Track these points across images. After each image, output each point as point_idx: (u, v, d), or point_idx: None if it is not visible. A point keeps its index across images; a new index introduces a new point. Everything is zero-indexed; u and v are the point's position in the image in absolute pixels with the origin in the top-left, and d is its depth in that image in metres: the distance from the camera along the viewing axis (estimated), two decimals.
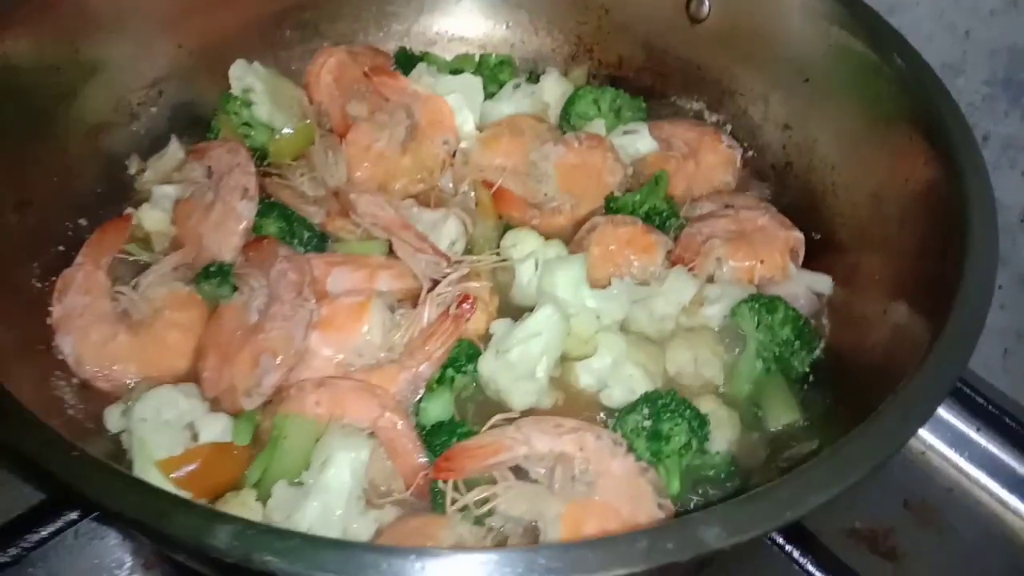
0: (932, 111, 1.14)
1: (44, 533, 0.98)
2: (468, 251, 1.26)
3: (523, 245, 1.23)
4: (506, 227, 1.32)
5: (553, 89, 1.53)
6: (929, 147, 1.13)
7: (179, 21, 1.37)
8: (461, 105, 1.44)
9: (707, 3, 1.45)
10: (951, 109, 1.13)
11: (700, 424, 1.04)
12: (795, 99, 1.39)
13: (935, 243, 1.09)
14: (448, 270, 1.17)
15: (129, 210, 1.26)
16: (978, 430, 1.34)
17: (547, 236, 1.31)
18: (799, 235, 1.30)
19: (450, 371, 1.08)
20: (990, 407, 1.34)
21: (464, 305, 1.07)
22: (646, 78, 1.58)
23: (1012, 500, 1.29)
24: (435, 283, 1.14)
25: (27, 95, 1.17)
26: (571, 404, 1.13)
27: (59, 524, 0.99)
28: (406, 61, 1.53)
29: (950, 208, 1.07)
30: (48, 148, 1.19)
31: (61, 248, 1.18)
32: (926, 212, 1.13)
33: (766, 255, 1.27)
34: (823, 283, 1.26)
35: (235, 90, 1.40)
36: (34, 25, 1.16)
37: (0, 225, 1.09)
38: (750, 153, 1.48)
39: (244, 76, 1.40)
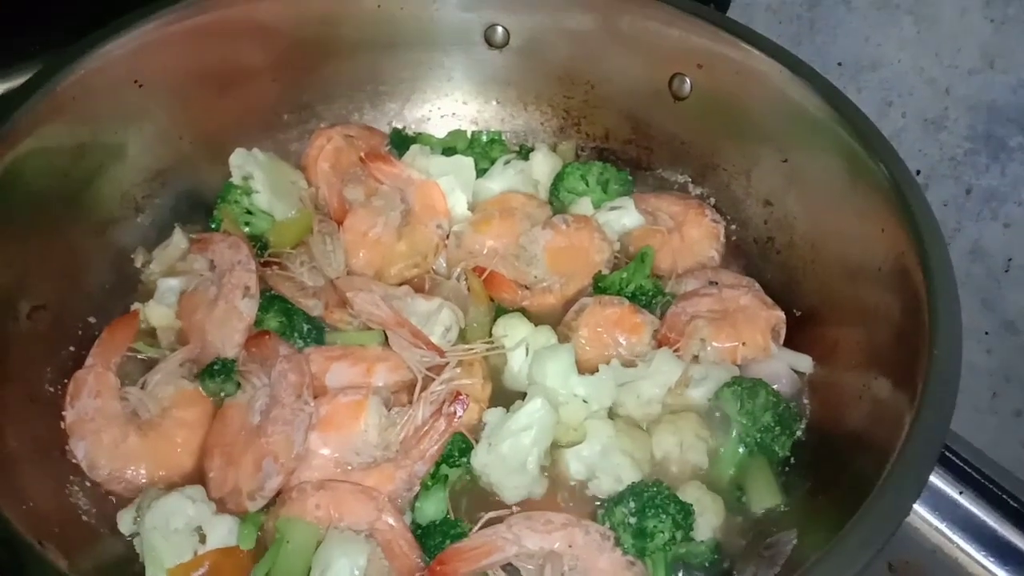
0: (904, 204, 1.18)
1: None
2: (462, 335, 1.32)
3: (514, 333, 1.29)
4: (498, 308, 1.37)
5: (542, 165, 1.58)
6: (901, 234, 1.18)
7: (180, 113, 1.43)
8: (454, 187, 1.50)
9: (688, 82, 1.50)
10: (918, 200, 1.18)
11: (685, 516, 1.09)
12: (775, 177, 1.44)
13: (906, 320, 1.14)
14: (442, 361, 1.22)
15: (136, 305, 1.31)
16: (960, 493, 1.38)
17: (537, 315, 1.37)
18: (780, 314, 1.35)
19: (444, 467, 1.13)
20: (972, 471, 1.38)
21: (456, 405, 1.12)
22: (632, 150, 1.63)
23: (993, 564, 1.33)
24: (429, 377, 1.19)
25: (38, 199, 1.22)
26: (560, 493, 1.18)
27: None
28: (400, 142, 1.58)
29: (917, 287, 1.12)
30: (58, 250, 1.25)
31: (72, 348, 1.23)
32: (897, 291, 1.18)
33: (748, 336, 1.31)
34: (804, 362, 1.31)
35: (235, 178, 1.45)
36: (44, 131, 1.21)
37: (15, 333, 1.14)
38: (733, 227, 1.52)
39: (244, 164, 1.46)
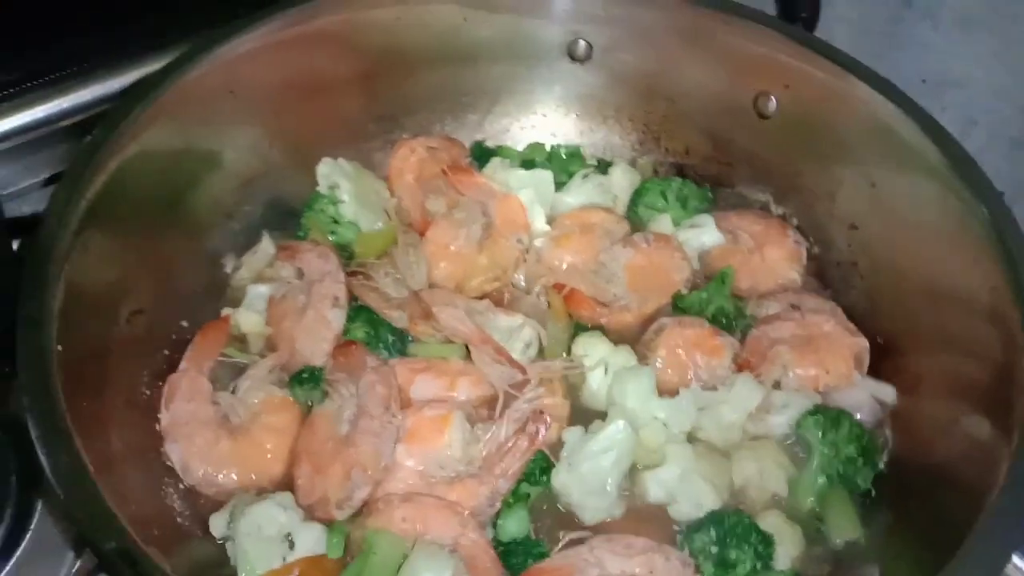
0: (998, 232, 1.16)
1: None
2: (541, 351, 1.33)
3: (593, 352, 1.29)
4: (577, 325, 1.38)
5: (621, 180, 1.59)
6: (994, 265, 1.16)
7: (271, 122, 1.46)
8: (533, 201, 1.51)
9: (774, 100, 1.49)
10: (1016, 235, 1.15)
11: (766, 547, 1.09)
12: (861, 200, 1.42)
13: (1000, 355, 1.12)
14: (523, 378, 1.23)
15: (226, 311, 1.35)
16: None
17: (615, 332, 1.37)
18: (864, 342, 1.34)
19: (525, 485, 1.15)
20: None
21: (539, 425, 1.14)
22: (712, 167, 1.62)
23: None
24: (510, 394, 1.21)
25: (139, 205, 1.25)
26: (640, 515, 1.18)
27: None
28: (481, 155, 1.60)
29: (1011, 323, 1.09)
30: (156, 255, 1.28)
31: (166, 352, 1.27)
32: (990, 324, 1.15)
33: (831, 364, 1.30)
34: (887, 393, 1.30)
35: (322, 188, 1.48)
36: (146, 139, 1.25)
37: (116, 337, 1.18)
38: (816, 249, 1.51)
39: (331, 174, 1.49)
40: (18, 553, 1.21)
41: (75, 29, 1.69)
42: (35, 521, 1.26)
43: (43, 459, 0.86)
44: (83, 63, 1.65)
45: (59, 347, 0.97)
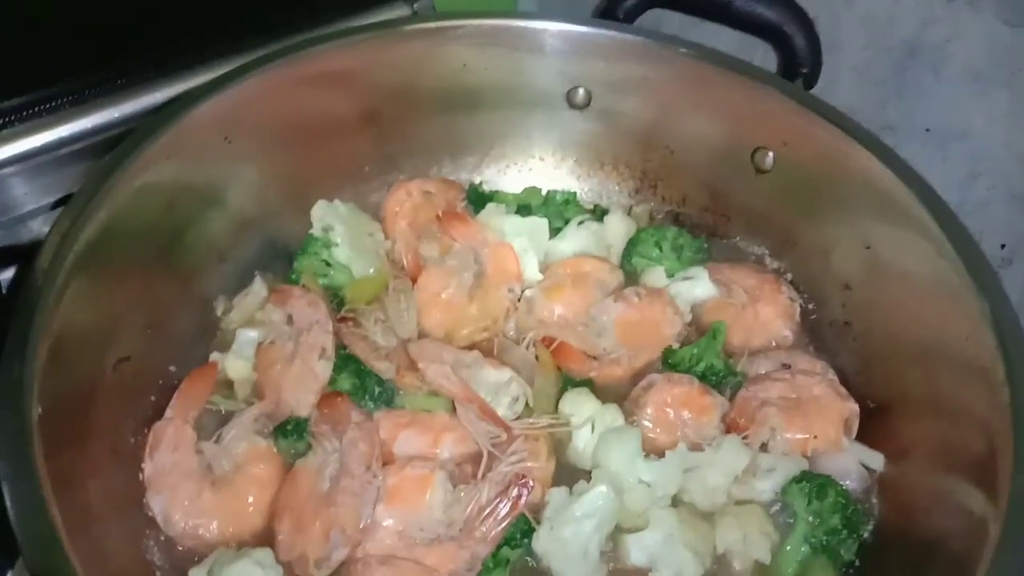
0: (991, 308, 1.15)
1: None
2: (527, 407, 1.32)
3: (581, 410, 1.29)
4: (565, 378, 1.37)
5: (616, 228, 1.58)
6: (985, 341, 1.14)
7: (266, 166, 1.46)
8: (526, 248, 1.51)
9: (771, 156, 1.48)
10: (1005, 311, 1.14)
11: None
12: (856, 261, 1.41)
13: (990, 426, 1.11)
14: (508, 437, 1.23)
15: (214, 356, 1.35)
16: None
17: (604, 386, 1.37)
18: (854, 407, 1.33)
19: (505, 549, 1.14)
20: None
21: (521, 489, 1.13)
22: (709, 218, 1.62)
23: None
24: (494, 454, 1.20)
25: (131, 252, 1.25)
26: None
27: None
28: (477, 198, 1.60)
29: (1001, 396, 1.09)
30: (148, 301, 1.28)
31: (152, 398, 1.27)
32: (981, 395, 1.14)
33: (820, 429, 1.29)
34: (876, 460, 1.29)
35: (316, 230, 1.48)
36: (140, 187, 1.25)
37: (99, 385, 1.18)
38: (810, 306, 1.50)
39: (325, 216, 1.49)
40: None
41: (77, 59, 1.70)
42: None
43: (17, 534, 0.86)
44: (84, 92, 1.66)
45: (39, 409, 0.96)
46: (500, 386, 1.28)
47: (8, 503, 0.88)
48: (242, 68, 1.37)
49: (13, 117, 1.60)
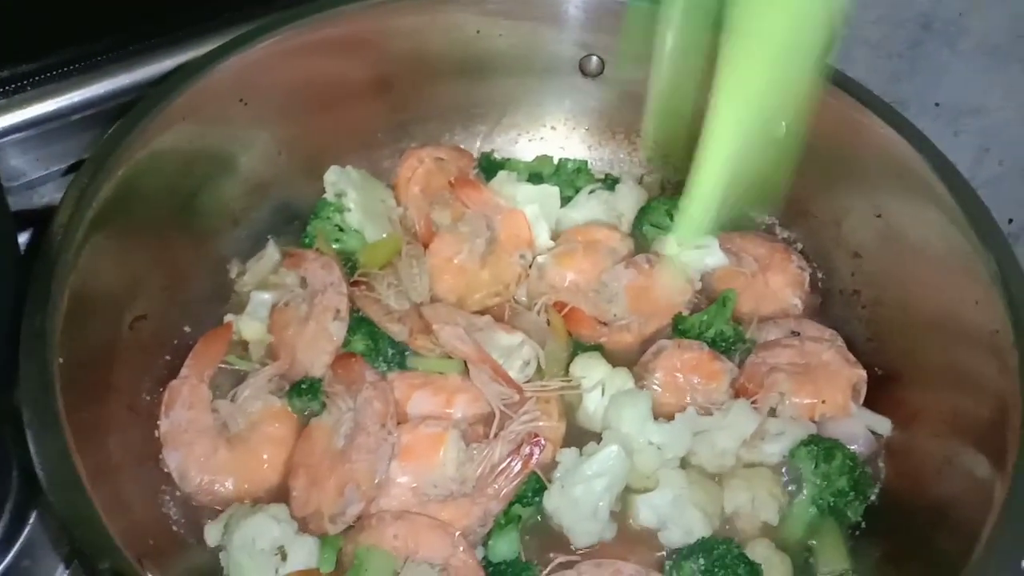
0: (1003, 277, 1.16)
1: None
2: (539, 370, 1.33)
3: (591, 373, 1.30)
4: (576, 344, 1.38)
5: (627, 198, 1.59)
6: (996, 311, 1.15)
7: (280, 130, 1.47)
8: (538, 216, 1.51)
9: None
10: (1018, 275, 1.15)
11: None
12: (866, 230, 1.42)
13: (998, 396, 1.12)
14: (520, 398, 1.24)
15: (229, 317, 1.36)
16: None
17: (614, 352, 1.38)
18: (862, 373, 1.34)
19: (517, 507, 1.16)
20: None
21: (533, 448, 1.15)
22: None
23: None
24: (506, 414, 1.22)
25: (148, 212, 1.26)
26: (630, 539, 1.19)
27: None
28: (489, 166, 1.60)
29: (1011, 367, 1.10)
30: (163, 261, 1.30)
31: (167, 357, 1.29)
32: (990, 365, 1.15)
33: (828, 394, 1.30)
34: (883, 425, 1.30)
35: (329, 195, 1.49)
36: (156, 147, 1.26)
37: (119, 343, 1.19)
38: (819, 275, 1.50)
39: (338, 182, 1.49)
40: (19, 542, 1.23)
41: (87, 24, 1.70)
42: (35, 513, 1.28)
43: (41, 478, 0.88)
44: (95, 57, 1.66)
45: (60, 359, 0.98)
46: (512, 349, 1.30)
47: (32, 448, 0.89)
48: (258, 30, 1.37)
49: (24, 82, 1.60)
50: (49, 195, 1.68)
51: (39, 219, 1.65)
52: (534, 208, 1.52)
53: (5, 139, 1.59)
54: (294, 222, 1.52)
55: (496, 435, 1.19)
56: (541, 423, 1.20)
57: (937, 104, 1.92)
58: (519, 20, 1.53)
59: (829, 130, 1.41)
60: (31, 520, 1.29)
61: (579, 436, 1.27)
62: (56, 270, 1.05)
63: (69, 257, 1.08)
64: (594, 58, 1.58)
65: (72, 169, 1.67)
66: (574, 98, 1.64)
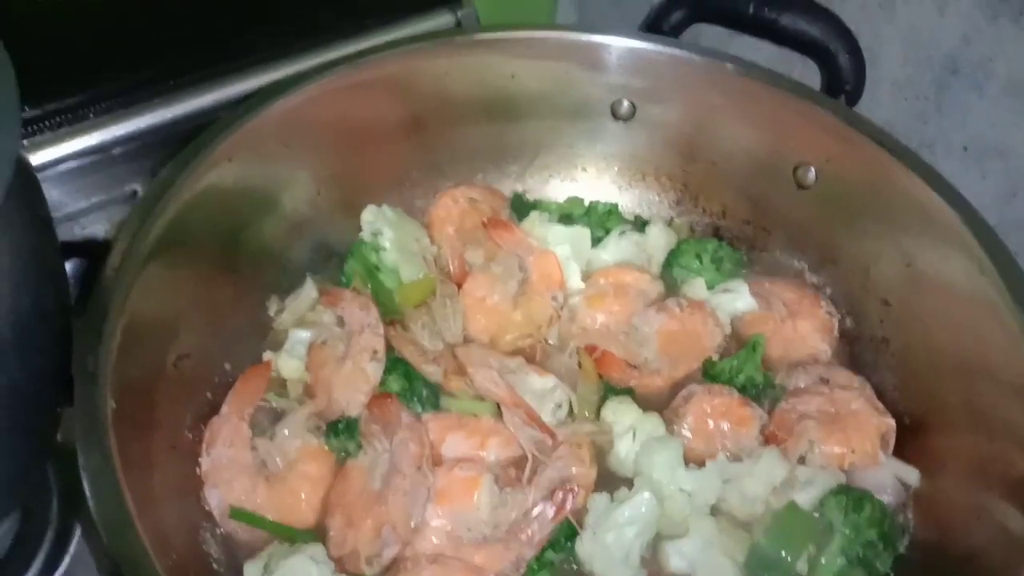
0: None
1: None
2: (570, 413, 1.35)
3: (623, 418, 1.32)
4: (607, 387, 1.40)
5: (657, 240, 1.61)
6: None
7: (320, 170, 1.50)
8: (569, 257, 1.54)
9: (813, 172, 1.50)
10: None
11: None
12: (895, 278, 1.43)
13: None
14: (553, 443, 1.26)
15: (267, 355, 1.39)
16: None
17: (644, 396, 1.40)
18: (891, 423, 1.35)
19: (549, 552, 1.18)
20: None
21: (567, 496, 1.16)
22: (749, 230, 1.64)
23: None
24: (539, 459, 1.24)
25: (194, 251, 1.29)
26: None
27: None
28: (521, 207, 1.63)
29: None
30: (205, 301, 1.32)
31: (208, 395, 1.32)
32: (1020, 408, 1.16)
33: (857, 443, 1.32)
34: (911, 475, 1.31)
35: (366, 234, 1.52)
36: (203, 189, 1.29)
37: (162, 382, 1.22)
38: (848, 321, 1.52)
39: (374, 221, 1.53)
40: (61, 569, 1.27)
41: (128, 60, 1.75)
42: (75, 543, 1.31)
43: (97, 521, 0.90)
44: (136, 91, 1.71)
45: (113, 404, 1.01)
46: (544, 392, 1.32)
47: (88, 493, 0.92)
48: (298, 77, 1.41)
49: (69, 116, 1.65)
50: (90, 226, 1.72)
51: (81, 250, 1.70)
52: (565, 249, 1.54)
53: (48, 172, 1.64)
54: (332, 259, 1.55)
55: (530, 480, 1.20)
56: (574, 469, 1.22)
57: (965, 148, 1.92)
58: (554, 65, 1.57)
59: (858, 178, 1.44)
60: (71, 549, 1.33)
61: (610, 480, 1.29)
62: (108, 312, 1.08)
63: (120, 299, 1.11)
64: (625, 102, 1.61)
65: (113, 201, 1.72)
66: (605, 141, 1.67)
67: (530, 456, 1.24)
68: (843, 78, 1.56)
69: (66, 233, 1.69)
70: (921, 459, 1.33)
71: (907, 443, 1.35)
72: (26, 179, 1.10)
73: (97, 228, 1.74)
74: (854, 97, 1.58)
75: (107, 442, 0.97)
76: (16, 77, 0.92)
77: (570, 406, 1.35)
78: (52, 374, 1.09)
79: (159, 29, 1.84)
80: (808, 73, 1.84)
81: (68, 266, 1.64)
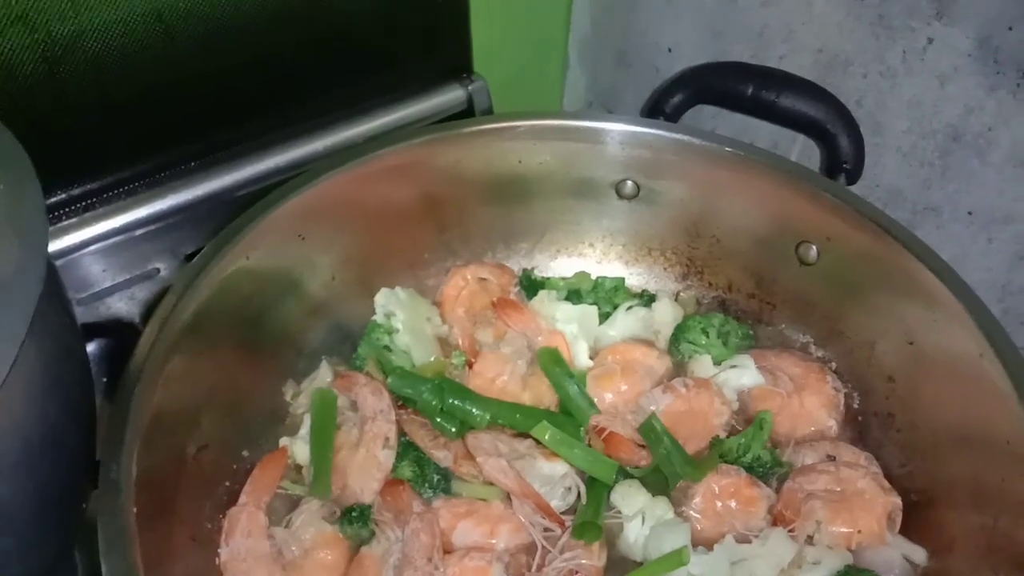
0: None
1: None
2: (579, 497, 1.38)
3: (631, 503, 1.34)
4: (616, 468, 1.43)
5: (664, 315, 1.64)
6: None
7: (335, 257, 1.55)
8: (577, 336, 1.57)
9: (815, 249, 1.53)
10: None
11: None
12: (899, 355, 1.45)
13: None
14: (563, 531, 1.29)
15: (284, 441, 1.43)
16: None
17: (652, 476, 1.42)
18: (897, 501, 1.36)
19: None
20: None
21: None
22: (755, 304, 1.67)
23: None
24: (547, 549, 1.26)
25: (213, 345, 1.34)
26: None
27: None
28: (530, 285, 1.67)
29: None
30: (225, 389, 1.37)
31: (227, 483, 1.36)
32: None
33: (864, 524, 1.33)
34: (918, 554, 1.32)
35: (379, 316, 1.57)
36: (224, 285, 1.34)
37: (183, 475, 1.26)
38: (854, 396, 1.54)
39: (387, 304, 1.57)
40: None
41: (151, 144, 1.81)
42: None
43: None
44: (158, 174, 1.77)
45: (135, 510, 1.05)
46: (554, 479, 1.34)
47: None
48: (314, 171, 1.46)
49: (94, 200, 1.72)
50: (115, 305, 1.78)
51: (106, 331, 1.76)
52: (573, 328, 1.58)
53: (74, 255, 1.70)
54: (346, 341, 1.59)
55: (539, 569, 1.23)
56: (584, 561, 1.24)
57: (970, 213, 1.95)
58: (559, 149, 1.62)
59: (859, 256, 1.47)
60: None
61: (620, 564, 1.31)
62: (130, 417, 1.13)
63: (143, 401, 1.16)
64: (629, 183, 1.65)
65: (136, 280, 1.78)
66: (611, 218, 1.71)
67: (539, 546, 1.26)
68: (842, 157, 1.60)
69: (91, 313, 1.75)
70: (928, 536, 1.34)
71: (914, 519, 1.36)
72: (52, 282, 1.15)
73: (121, 307, 1.80)
74: (854, 175, 1.61)
75: (130, 551, 1.01)
76: (39, 176, 0.96)
77: (580, 492, 1.37)
78: (81, 464, 1.13)
79: (178, 115, 1.90)
80: (810, 145, 1.88)
81: (93, 346, 1.71)
